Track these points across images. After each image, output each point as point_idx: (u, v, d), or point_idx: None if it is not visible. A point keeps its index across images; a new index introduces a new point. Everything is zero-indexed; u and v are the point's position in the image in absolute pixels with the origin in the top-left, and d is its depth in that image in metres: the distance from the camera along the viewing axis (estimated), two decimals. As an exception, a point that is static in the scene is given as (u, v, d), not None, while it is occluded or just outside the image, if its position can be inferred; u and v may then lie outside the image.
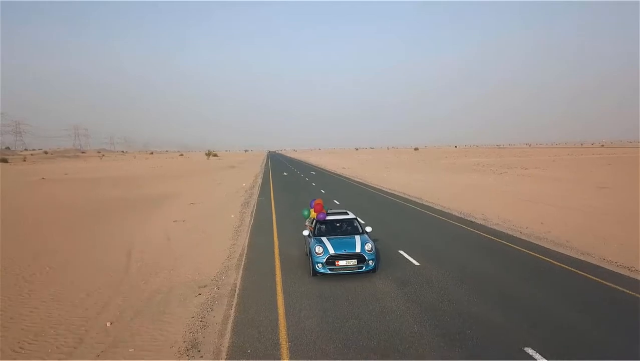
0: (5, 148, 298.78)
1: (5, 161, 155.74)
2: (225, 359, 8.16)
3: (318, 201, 14.98)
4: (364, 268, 12.43)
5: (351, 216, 14.67)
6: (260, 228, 21.52)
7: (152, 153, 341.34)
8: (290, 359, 8.04)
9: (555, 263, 13.94)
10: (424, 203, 29.46)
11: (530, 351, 8.01)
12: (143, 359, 8.42)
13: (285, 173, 68.50)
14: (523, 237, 17.85)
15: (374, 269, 12.67)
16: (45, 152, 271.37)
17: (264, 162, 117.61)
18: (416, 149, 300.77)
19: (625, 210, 23.72)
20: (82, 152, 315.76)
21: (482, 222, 21.63)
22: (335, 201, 30.32)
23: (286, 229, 20.77)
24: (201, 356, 8.35)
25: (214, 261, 15.35)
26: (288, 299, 11.11)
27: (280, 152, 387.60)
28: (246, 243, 17.90)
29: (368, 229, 14.09)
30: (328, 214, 14.54)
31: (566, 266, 13.51)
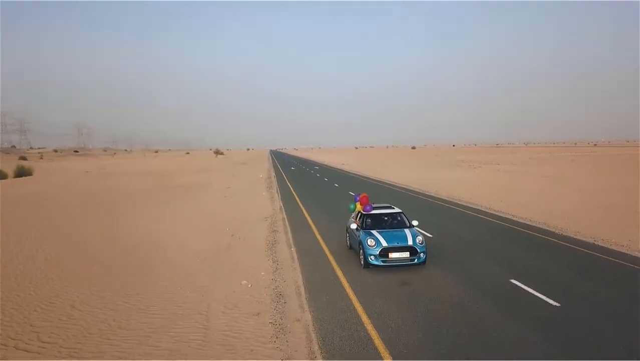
0: (11, 147, 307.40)
1: (24, 158, 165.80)
2: (287, 233, 18.73)
3: (363, 195, 15.30)
4: (415, 260, 12.82)
5: (397, 210, 15.00)
6: (286, 197, 32.22)
7: (156, 152, 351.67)
8: (312, 220, 18.64)
9: (475, 214, 24.53)
10: (403, 186, 40.09)
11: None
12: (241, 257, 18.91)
13: (292, 168, 79.50)
14: (461, 202, 28.42)
15: (424, 262, 13.09)
16: (55, 151, 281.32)
17: (270, 160, 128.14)
18: (413, 147, 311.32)
19: (543, 190, 34.37)
20: (89, 151, 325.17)
21: (435, 195, 32.31)
22: (335, 184, 40.97)
23: (304, 196, 31.47)
24: (275, 230, 18.88)
25: (265, 211, 25.85)
26: (309, 213, 21.74)
27: (281, 150, 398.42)
28: (281, 204, 28.55)
29: (414, 223, 14.34)
30: (373, 208, 14.80)
31: (479, 215, 24.11)
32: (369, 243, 12.94)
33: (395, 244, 12.79)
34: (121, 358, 7.97)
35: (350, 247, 15.41)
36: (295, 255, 15.33)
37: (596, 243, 16.28)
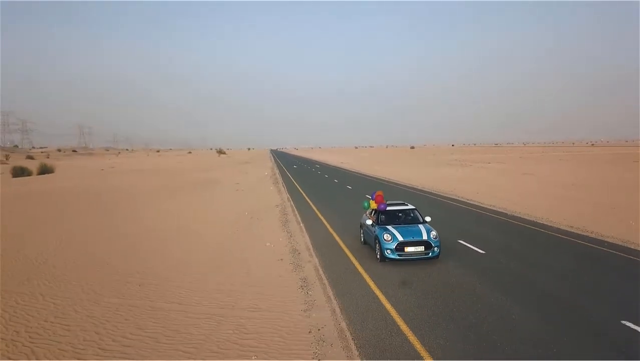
0: (14, 146, 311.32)
1: (31, 157, 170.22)
2: (293, 212, 23.51)
3: (379, 192, 15.74)
4: (430, 254, 13.41)
5: (410, 206, 15.64)
6: (291, 191, 37.02)
7: (158, 151, 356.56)
8: (318, 209, 23.44)
9: (442, 200, 29.34)
10: (393, 181, 44.94)
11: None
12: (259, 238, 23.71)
13: (295, 166, 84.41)
14: (441, 193, 33.20)
15: (437, 256, 13.66)
16: (59, 150, 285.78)
17: (272, 159, 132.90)
18: (412, 147, 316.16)
19: (510, 183, 39.16)
20: (91, 150, 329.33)
21: (421, 188, 37.12)
22: (335, 180, 45.77)
23: (307, 190, 36.29)
24: (286, 214, 23.65)
25: (274, 201, 30.59)
26: (313, 202, 26.54)
27: (282, 150, 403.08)
28: (288, 195, 33.35)
29: (427, 218, 15.03)
30: (388, 205, 15.25)
31: (445, 201, 28.93)
32: (385, 237, 13.54)
33: (411, 239, 13.41)
34: (193, 283, 12.71)
35: (365, 242, 16.21)
36: (303, 228, 20.14)
37: (522, 216, 21.67)
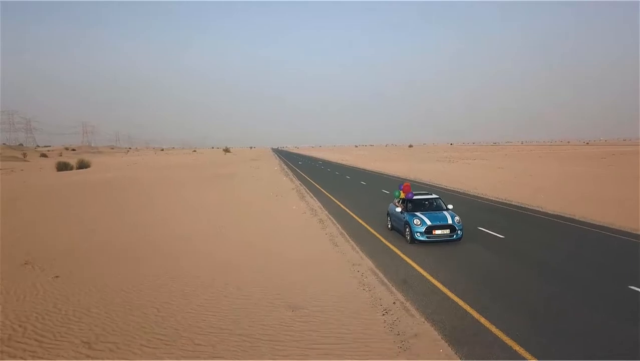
0: (19, 145, 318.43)
1: (45, 155, 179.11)
2: (300, 184, 32.73)
3: (406, 184, 17.71)
4: (454, 236, 15.05)
5: (435, 195, 17.24)
6: (301, 180, 46.33)
7: (162, 150, 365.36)
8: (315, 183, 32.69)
9: (419, 183, 38.62)
10: (388, 174, 54.21)
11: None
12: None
13: (300, 162, 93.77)
14: (417, 180, 42.40)
15: (460, 238, 15.21)
16: (66, 149, 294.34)
17: (276, 157, 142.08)
18: (410, 146, 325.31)
19: (481, 174, 48.38)
20: (96, 148, 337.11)
21: (414, 179, 46.41)
22: (336, 172, 55.11)
23: (315, 179, 45.57)
24: (301, 193, 32.84)
25: (290, 186, 39.66)
26: (321, 186, 35.76)
27: (283, 149, 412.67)
28: (299, 183, 42.60)
29: (450, 206, 16.58)
30: (415, 194, 17.00)
31: (424, 185, 38.23)
32: (415, 222, 15.23)
33: (438, 223, 15.09)
34: (260, 223, 21.86)
35: (392, 228, 18.07)
36: (315, 200, 29.36)
37: (477, 194, 30.50)
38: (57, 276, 12.69)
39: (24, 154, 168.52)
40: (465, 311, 9.63)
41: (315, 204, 27.44)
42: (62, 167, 67.18)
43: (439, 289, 11.12)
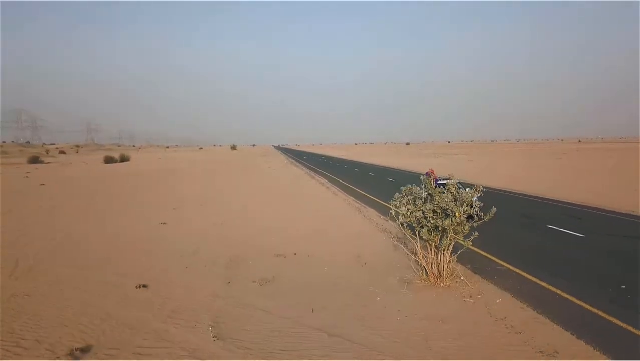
0: (26, 142, 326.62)
1: (63, 152, 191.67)
2: (291, 164, 46.72)
3: (431, 170, 20.18)
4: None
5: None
6: (310, 169, 60.21)
7: (167, 147, 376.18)
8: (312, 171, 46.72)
9: (400, 171, 52.56)
10: (381, 165, 68.19)
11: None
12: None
13: (304, 158, 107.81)
14: (397, 168, 56.26)
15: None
16: (77, 146, 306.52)
17: (281, 153, 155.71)
18: (408, 144, 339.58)
19: (454, 166, 62.38)
20: (102, 146, 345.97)
21: (398, 170, 60.37)
22: (336, 164, 69.23)
23: (320, 168, 59.59)
24: (313, 177, 46.73)
25: (302, 173, 53.44)
26: (326, 172, 49.88)
27: (284, 146, 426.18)
28: (308, 171, 56.54)
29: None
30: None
31: (405, 172, 52.20)
32: None
33: None
34: (290, 199, 35.67)
35: None
36: (323, 180, 43.27)
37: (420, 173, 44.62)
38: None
39: (47, 151, 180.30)
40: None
41: (324, 180, 41.31)
42: (109, 161, 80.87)
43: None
